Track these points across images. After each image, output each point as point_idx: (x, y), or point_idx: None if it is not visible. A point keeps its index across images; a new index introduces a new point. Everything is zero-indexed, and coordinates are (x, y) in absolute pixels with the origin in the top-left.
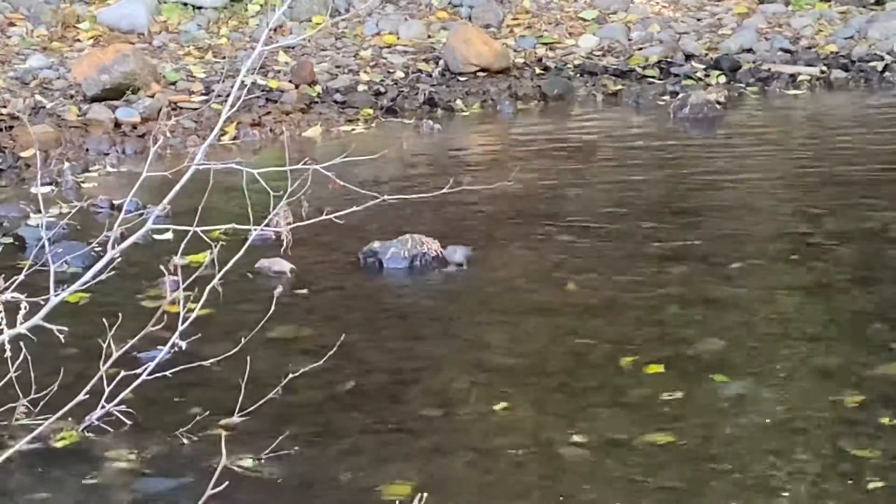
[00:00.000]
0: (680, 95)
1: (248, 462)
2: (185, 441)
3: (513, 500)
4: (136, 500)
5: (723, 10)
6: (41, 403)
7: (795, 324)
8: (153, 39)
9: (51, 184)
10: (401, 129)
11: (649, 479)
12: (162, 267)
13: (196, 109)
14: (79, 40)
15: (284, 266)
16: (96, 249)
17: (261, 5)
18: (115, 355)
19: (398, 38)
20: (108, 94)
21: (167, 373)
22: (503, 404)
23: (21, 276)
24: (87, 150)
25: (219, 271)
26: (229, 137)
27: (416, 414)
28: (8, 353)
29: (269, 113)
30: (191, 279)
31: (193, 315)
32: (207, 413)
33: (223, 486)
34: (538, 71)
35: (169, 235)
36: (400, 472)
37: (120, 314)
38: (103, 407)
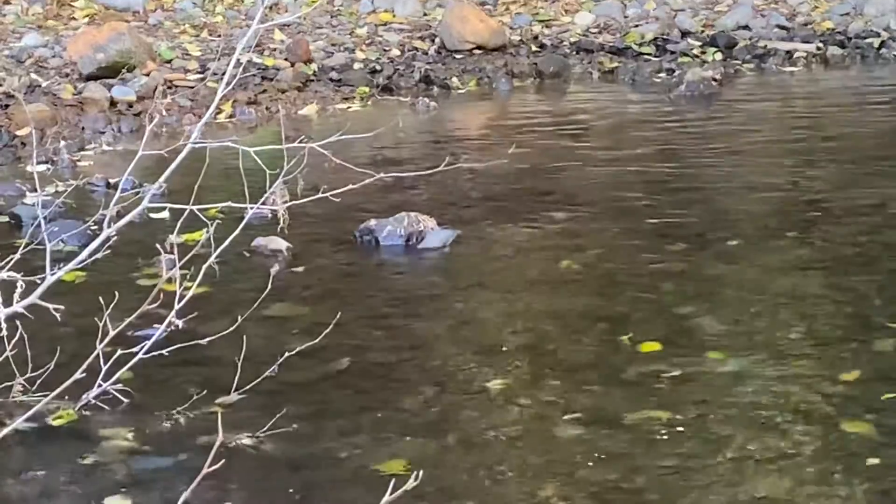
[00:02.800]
0: (676, 73)
1: (244, 440)
2: (182, 419)
3: (508, 477)
4: (133, 478)
5: None
6: (38, 382)
7: (793, 301)
8: (148, 17)
9: (46, 162)
10: (397, 106)
11: (646, 457)
12: (158, 245)
13: (192, 87)
14: (74, 18)
15: (280, 244)
16: (92, 228)
17: None
18: (111, 334)
19: (394, 16)
20: (104, 73)
21: (164, 351)
22: (499, 382)
23: (17, 255)
24: (83, 128)
25: (215, 250)
26: (225, 115)
27: (411, 392)
28: (4, 332)
29: (264, 91)
30: (187, 257)
31: (190, 293)
32: (204, 391)
33: (220, 463)
34: (534, 48)
35: (165, 214)
36: (396, 450)
37: (116, 293)
38: (100, 385)
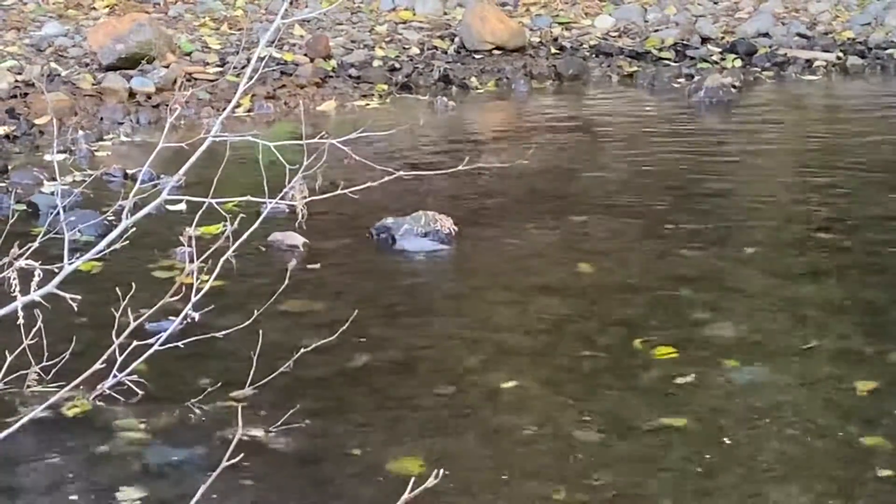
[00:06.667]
0: (695, 78)
1: (258, 434)
2: (196, 412)
3: (522, 479)
4: (146, 469)
5: None
6: (52, 371)
7: (808, 310)
8: (169, 9)
9: (64, 152)
10: (415, 105)
11: (659, 462)
12: (181, 238)
13: (212, 81)
14: (94, 8)
15: (297, 240)
16: (109, 218)
17: None
18: (132, 325)
19: (414, 14)
20: (123, 64)
21: (179, 343)
22: (514, 383)
23: (36, 244)
24: (102, 118)
25: (233, 243)
26: (244, 110)
27: (426, 391)
28: (21, 321)
29: (283, 86)
30: (210, 251)
31: (207, 287)
32: (218, 385)
33: (237, 458)
34: (553, 50)
35: (181, 206)
36: (409, 448)
37: (132, 283)
38: (115, 376)
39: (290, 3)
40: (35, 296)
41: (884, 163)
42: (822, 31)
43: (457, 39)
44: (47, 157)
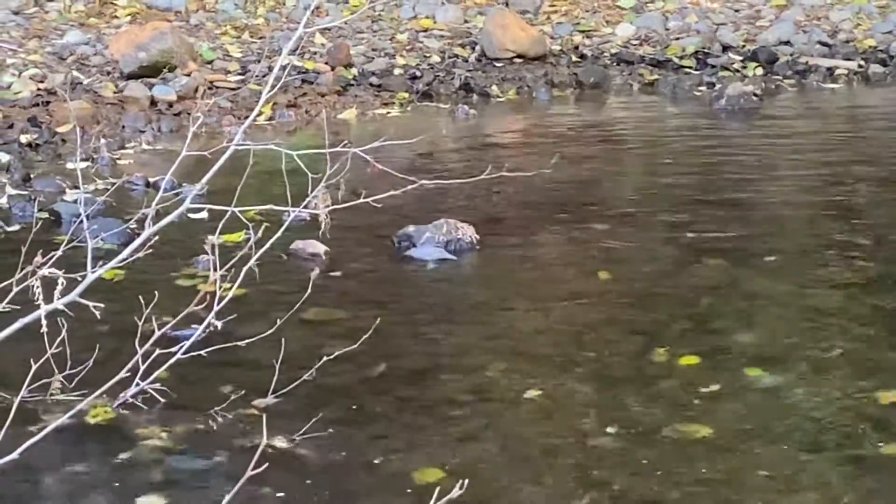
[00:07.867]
0: (716, 87)
1: (281, 443)
2: (218, 420)
3: (544, 487)
4: (169, 478)
5: (761, 1)
6: (76, 379)
7: (831, 319)
8: (190, 18)
9: (87, 160)
10: (436, 113)
11: (681, 471)
12: (205, 246)
13: (234, 90)
14: (116, 17)
15: (319, 248)
16: (132, 227)
17: None
18: (156, 334)
19: (435, 23)
20: (145, 72)
21: (202, 352)
22: (536, 392)
23: (59, 252)
24: (123, 126)
25: (255, 252)
26: (265, 118)
27: (448, 399)
28: (44, 329)
29: (304, 94)
30: (235, 260)
31: (230, 295)
32: (241, 393)
33: (262, 468)
34: (574, 58)
35: (203, 214)
36: (432, 456)
37: (155, 292)
38: (138, 384)
39: (312, 12)
40: (58, 304)
41: None
42: (843, 39)
43: (478, 48)
44: (69, 166)
